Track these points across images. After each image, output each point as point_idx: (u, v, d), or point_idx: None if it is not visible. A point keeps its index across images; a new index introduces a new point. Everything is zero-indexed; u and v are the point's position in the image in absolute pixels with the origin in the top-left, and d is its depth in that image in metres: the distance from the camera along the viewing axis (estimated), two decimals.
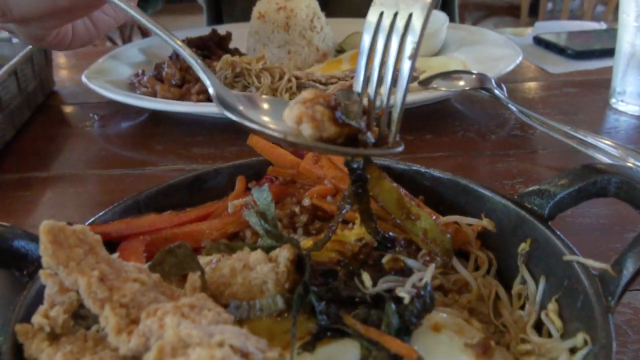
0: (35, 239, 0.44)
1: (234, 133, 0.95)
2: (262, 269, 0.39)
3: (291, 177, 0.55)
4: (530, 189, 0.49)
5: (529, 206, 0.48)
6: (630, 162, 0.77)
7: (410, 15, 0.42)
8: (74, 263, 0.36)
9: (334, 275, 0.40)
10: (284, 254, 0.40)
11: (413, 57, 0.41)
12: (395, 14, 0.43)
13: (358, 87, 0.44)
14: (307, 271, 0.39)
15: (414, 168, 0.56)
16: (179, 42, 0.47)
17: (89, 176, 0.86)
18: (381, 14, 0.44)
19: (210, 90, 0.44)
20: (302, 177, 0.55)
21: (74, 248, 0.36)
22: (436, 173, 0.55)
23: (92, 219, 0.50)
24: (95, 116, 1.06)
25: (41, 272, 0.36)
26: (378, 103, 0.44)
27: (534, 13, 4.21)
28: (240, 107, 0.43)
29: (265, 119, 0.42)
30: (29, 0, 0.54)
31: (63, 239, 0.36)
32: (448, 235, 0.45)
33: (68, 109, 1.12)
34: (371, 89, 0.44)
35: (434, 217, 0.47)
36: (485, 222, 0.48)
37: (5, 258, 0.43)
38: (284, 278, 0.39)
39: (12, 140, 0.96)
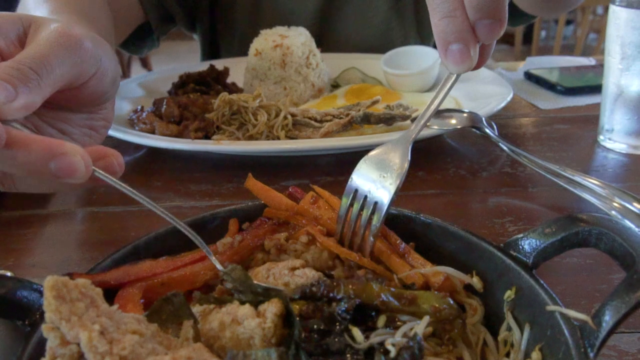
0: (36, 289, 0.46)
1: (229, 170, 0.97)
2: (249, 324, 0.41)
3: (285, 219, 0.57)
4: (516, 237, 0.51)
5: (514, 254, 0.49)
6: (616, 202, 0.79)
7: (375, 203, 0.54)
8: (75, 317, 0.37)
9: (324, 331, 0.42)
10: (271, 309, 0.41)
11: (375, 234, 0.54)
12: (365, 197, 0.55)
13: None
14: (297, 328, 0.40)
15: (405, 213, 0.58)
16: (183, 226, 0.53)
17: (88, 214, 0.87)
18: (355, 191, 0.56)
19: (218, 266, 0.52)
20: (297, 218, 0.57)
21: (75, 302, 0.38)
22: (426, 219, 0.57)
23: (92, 267, 0.51)
24: None
25: (43, 327, 0.37)
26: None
27: (528, 40, 4.28)
28: None
29: None
30: (33, 186, 0.57)
31: (66, 293, 0.38)
32: (449, 300, 0.46)
33: None
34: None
35: (427, 268, 0.49)
36: (475, 281, 0.49)
37: (8, 309, 0.44)
38: (271, 334, 0.41)
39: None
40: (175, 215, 0.85)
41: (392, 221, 0.58)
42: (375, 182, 0.55)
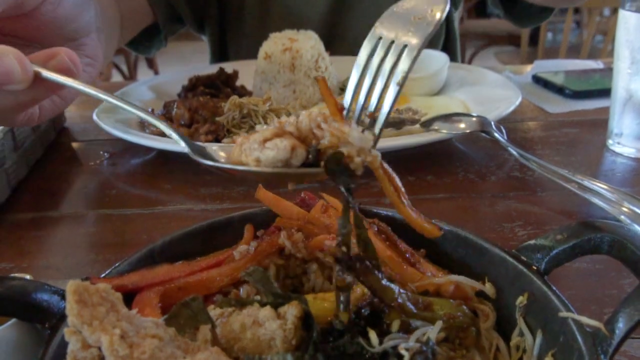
0: (55, 291, 0.47)
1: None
2: (270, 325, 0.42)
3: (298, 228, 0.57)
4: (527, 243, 0.51)
5: (526, 260, 0.50)
6: (625, 207, 0.79)
7: (404, 46, 0.47)
8: (97, 321, 0.38)
9: (340, 333, 0.42)
10: (291, 311, 0.42)
11: (400, 83, 0.47)
12: (392, 43, 0.48)
13: (349, 96, 0.49)
14: (316, 331, 0.41)
15: None
16: (143, 113, 0.50)
17: (100, 216, 0.88)
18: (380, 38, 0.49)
19: (182, 145, 0.49)
20: (309, 228, 0.57)
21: (97, 307, 0.39)
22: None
23: (108, 270, 0.52)
24: (106, 154, 1.09)
25: (66, 331, 0.38)
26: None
27: (534, 43, 4.28)
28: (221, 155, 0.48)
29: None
30: None
31: (87, 297, 0.39)
32: (464, 308, 0.47)
33: (79, 146, 1.15)
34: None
35: (440, 276, 0.49)
36: (487, 287, 0.50)
37: (28, 311, 0.45)
38: (292, 335, 0.41)
39: (25, 178, 0.99)
40: (187, 218, 0.86)
41: (403, 226, 0.59)
42: (406, 25, 0.48)
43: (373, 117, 0.49)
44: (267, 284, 0.45)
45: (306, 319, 0.42)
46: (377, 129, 0.48)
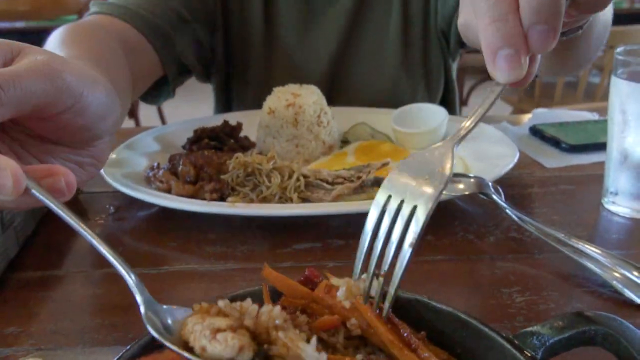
0: None
1: (243, 231, 0.99)
2: None
3: (302, 307, 0.59)
4: (525, 330, 0.53)
5: (524, 348, 0.52)
6: (618, 273, 0.82)
7: (415, 207, 0.47)
8: None
9: None
10: None
11: (413, 245, 0.47)
12: (402, 202, 0.48)
13: (359, 265, 0.51)
14: None
15: (417, 298, 0.60)
16: (112, 256, 0.53)
17: (106, 275, 0.90)
18: (388, 197, 0.49)
19: (141, 309, 0.49)
20: (313, 307, 0.59)
21: None
22: (437, 305, 0.59)
23: (120, 354, 0.54)
24: (111, 207, 1.11)
25: None
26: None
27: (532, 81, 4.33)
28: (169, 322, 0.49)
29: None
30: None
31: None
32: None
33: (85, 198, 1.17)
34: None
35: None
36: None
37: None
38: None
39: (32, 234, 1.00)
40: (192, 279, 0.88)
41: (403, 306, 0.60)
42: (413, 187, 0.48)
43: (384, 276, 0.50)
44: None
45: None
46: (386, 305, 0.51)
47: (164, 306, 0.51)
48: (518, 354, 0.51)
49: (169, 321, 0.50)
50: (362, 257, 0.50)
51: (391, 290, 0.49)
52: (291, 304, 0.60)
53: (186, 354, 0.43)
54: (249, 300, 0.46)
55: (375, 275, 0.51)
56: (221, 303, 0.46)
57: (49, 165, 0.53)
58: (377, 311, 0.53)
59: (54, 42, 0.98)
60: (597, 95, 3.83)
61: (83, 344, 0.74)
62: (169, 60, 1.31)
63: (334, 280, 0.56)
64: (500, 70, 0.48)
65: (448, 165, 0.49)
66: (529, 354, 0.51)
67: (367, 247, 0.50)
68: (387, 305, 0.50)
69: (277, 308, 0.45)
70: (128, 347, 0.55)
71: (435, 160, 0.50)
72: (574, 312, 0.51)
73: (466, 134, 0.53)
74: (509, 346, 0.53)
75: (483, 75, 5.01)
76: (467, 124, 0.53)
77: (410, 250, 0.47)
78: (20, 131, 0.61)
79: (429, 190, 0.48)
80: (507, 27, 0.47)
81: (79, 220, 0.51)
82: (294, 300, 0.60)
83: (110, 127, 0.66)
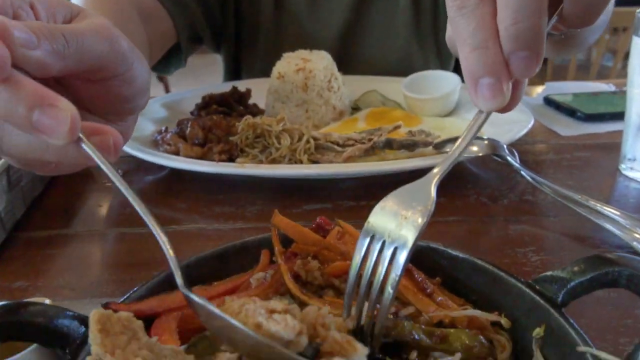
0: (75, 316, 0.47)
1: (253, 192, 0.98)
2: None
3: (314, 254, 0.58)
4: (544, 274, 0.51)
5: (543, 292, 0.50)
6: (638, 234, 0.79)
7: (395, 249, 0.47)
8: (119, 350, 0.38)
9: None
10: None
11: (394, 287, 0.46)
12: (384, 243, 0.47)
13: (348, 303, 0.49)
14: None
15: (432, 246, 0.59)
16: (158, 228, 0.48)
17: (114, 234, 0.89)
18: (372, 236, 0.48)
19: (178, 281, 0.45)
20: (325, 254, 0.58)
21: (119, 335, 0.39)
22: (453, 252, 0.57)
23: (127, 295, 0.53)
24: (120, 171, 1.09)
25: (88, 359, 0.38)
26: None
27: (544, 61, 4.28)
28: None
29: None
30: (21, 149, 0.51)
31: (110, 326, 0.39)
32: (481, 338, 0.47)
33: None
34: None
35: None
36: (503, 321, 0.50)
37: (48, 337, 0.46)
38: None
39: (40, 195, 0.99)
40: (200, 238, 0.87)
41: (418, 254, 0.59)
42: (396, 224, 0.48)
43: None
44: None
45: None
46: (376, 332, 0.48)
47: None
48: (538, 298, 0.50)
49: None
50: (350, 295, 0.49)
51: (378, 325, 0.47)
52: (302, 251, 0.58)
53: (243, 326, 0.40)
54: (285, 302, 0.45)
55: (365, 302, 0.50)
56: (256, 299, 0.43)
57: (99, 124, 0.50)
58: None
59: None
60: (611, 78, 3.78)
61: (91, 297, 0.73)
62: (183, 26, 1.30)
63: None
64: (483, 98, 0.47)
65: (430, 201, 0.48)
66: (549, 298, 0.49)
67: (355, 283, 0.49)
68: (377, 332, 0.48)
69: (325, 308, 0.43)
70: (135, 289, 0.54)
71: (416, 196, 0.49)
72: (594, 254, 0.49)
73: (448, 168, 0.51)
74: (528, 290, 0.51)
75: None
76: (449, 159, 0.51)
77: (392, 291, 0.46)
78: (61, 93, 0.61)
79: (410, 228, 0.47)
80: (488, 55, 0.45)
81: (124, 183, 0.48)
82: (305, 247, 0.59)
83: (143, 104, 0.66)
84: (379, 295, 0.47)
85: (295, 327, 0.39)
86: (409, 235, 0.46)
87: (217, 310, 0.41)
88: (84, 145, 0.46)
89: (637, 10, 0.95)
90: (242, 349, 0.41)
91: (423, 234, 0.47)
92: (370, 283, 0.48)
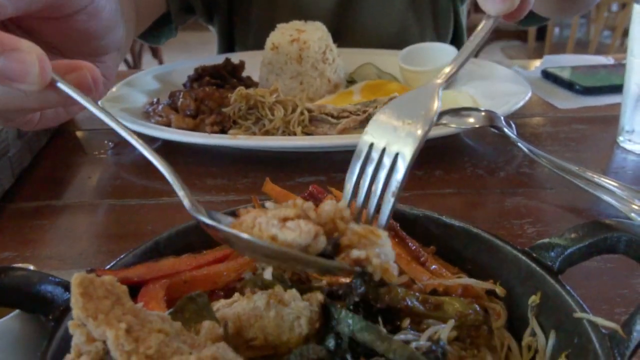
0: (59, 283, 0.46)
1: (245, 165, 0.96)
2: (297, 305, 0.41)
3: None
4: (541, 241, 0.50)
5: (539, 259, 0.49)
6: (636, 205, 0.79)
7: (397, 155, 0.45)
8: (102, 315, 0.37)
9: None
10: (316, 296, 0.42)
11: (396, 194, 0.44)
12: (384, 150, 0.45)
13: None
14: (335, 320, 0.41)
15: (427, 214, 0.57)
16: (155, 156, 0.48)
17: (104, 206, 0.87)
18: (371, 145, 0.46)
19: (186, 203, 0.44)
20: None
21: (102, 300, 0.38)
22: (448, 220, 0.56)
23: (114, 262, 0.51)
24: (110, 143, 1.07)
25: (70, 324, 0.37)
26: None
27: (541, 37, 4.24)
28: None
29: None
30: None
31: (92, 290, 0.38)
32: (476, 306, 0.46)
33: (83, 135, 1.14)
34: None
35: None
36: (498, 290, 0.49)
37: (32, 303, 0.44)
38: (316, 317, 0.41)
39: (28, 167, 0.98)
40: None
41: (412, 222, 0.58)
42: (397, 130, 0.45)
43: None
44: (282, 281, 0.45)
45: (325, 309, 0.42)
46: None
47: (208, 210, 0.46)
48: (534, 265, 0.49)
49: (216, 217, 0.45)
50: (346, 202, 0.47)
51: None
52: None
53: (257, 240, 0.39)
54: (298, 199, 0.43)
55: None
56: (269, 204, 0.42)
57: (73, 60, 0.47)
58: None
59: None
60: (610, 53, 3.75)
61: (79, 268, 0.72)
62: None
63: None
64: (492, 0, 0.46)
65: (433, 108, 0.46)
66: (546, 265, 0.48)
67: (352, 194, 0.47)
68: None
69: (343, 201, 0.42)
70: (122, 256, 0.52)
71: (419, 102, 0.46)
72: (592, 220, 0.48)
73: (455, 72, 0.49)
74: (524, 258, 0.50)
75: (491, 35, 4.91)
76: (454, 63, 0.49)
77: (392, 200, 0.44)
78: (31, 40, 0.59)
79: (412, 134, 0.45)
80: None
81: (110, 116, 0.46)
82: None
83: (117, 40, 0.63)
84: (379, 205, 0.45)
85: (310, 231, 0.39)
86: (410, 142, 0.44)
87: (231, 231, 0.41)
88: (60, 85, 0.43)
89: None
90: (264, 259, 0.41)
91: (424, 142, 0.45)
92: (368, 196, 0.46)
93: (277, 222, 0.39)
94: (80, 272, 0.38)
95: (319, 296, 0.43)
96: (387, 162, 0.45)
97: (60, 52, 0.58)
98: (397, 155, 0.45)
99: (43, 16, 0.52)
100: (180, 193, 0.44)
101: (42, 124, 0.59)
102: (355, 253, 0.40)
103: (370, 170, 0.46)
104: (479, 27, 0.49)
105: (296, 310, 0.41)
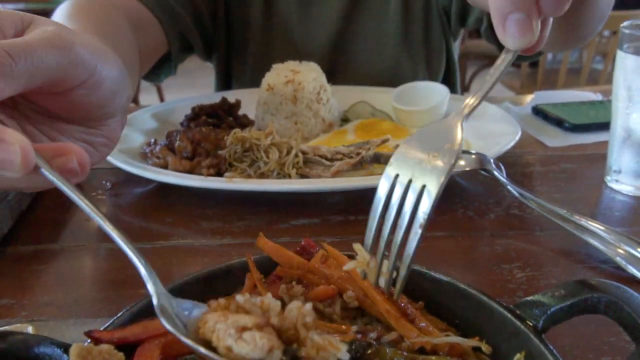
0: (57, 344, 0.47)
1: (241, 207, 0.98)
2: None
3: (298, 277, 0.58)
4: (526, 299, 0.52)
5: (524, 317, 0.50)
6: (621, 249, 0.80)
7: (424, 186, 0.45)
8: None
9: None
10: None
11: (423, 226, 0.45)
12: (410, 180, 0.46)
13: (368, 246, 0.49)
14: None
15: (416, 269, 0.59)
16: (123, 241, 0.47)
17: (101, 250, 0.89)
18: (396, 175, 0.47)
19: (154, 300, 0.44)
20: (309, 277, 0.58)
21: None
22: (436, 275, 0.58)
23: (110, 321, 0.52)
24: (108, 183, 1.09)
25: None
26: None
27: (534, 64, 4.30)
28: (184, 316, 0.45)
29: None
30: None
31: (90, 359, 0.39)
32: None
33: None
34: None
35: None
36: (484, 347, 0.50)
37: None
38: None
39: (27, 209, 0.99)
40: (187, 254, 0.87)
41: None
42: (422, 163, 0.45)
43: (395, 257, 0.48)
44: None
45: None
46: (397, 287, 0.49)
47: (178, 300, 0.47)
48: (519, 323, 0.50)
49: (185, 314, 0.46)
50: (371, 234, 0.48)
51: (402, 273, 0.47)
52: (287, 274, 0.59)
53: (211, 354, 0.40)
54: (269, 296, 0.43)
55: (385, 256, 0.49)
56: (240, 298, 0.42)
57: (61, 143, 0.50)
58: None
59: (59, 15, 0.95)
60: (601, 82, 3.80)
61: (76, 316, 0.73)
62: (174, 35, 1.30)
63: (350, 264, 0.53)
64: (512, 35, 0.47)
65: (457, 140, 0.46)
66: (530, 324, 0.50)
67: (377, 226, 0.47)
68: (398, 287, 0.48)
69: (308, 305, 0.42)
70: (119, 314, 0.53)
71: (443, 135, 0.47)
72: (576, 280, 0.50)
73: (477, 106, 0.49)
74: (509, 315, 0.51)
75: (485, 61, 4.98)
76: (477, 95, 0.49)
77: (420, 231, 0.45)
78: (32, 108, 0.59)
79: (438, 166, 0.45)
80: None
81: (90, 203, 0.46)
82: (289, 270, 0.59)
83: (123, 104, 0.64)
84: (402, 244, 0.45)
85: (264, 345, 0.38)
86: (436, 175, 0.44)
87: (186, 341, 0.41)
88: (43, 171, 0.45)
89: (621, 25, 0.96)
90: None
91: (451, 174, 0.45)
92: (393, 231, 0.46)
93: (234, 331, 0.39)
94: (77, 344, 0.40)
95: None
96: (412, 195, 0.46)
97: (64, 120, 0.60)
98: (423, 187, 0.45)
99: (42, 92, 0.53)
100: (150, 288, 0.45)
101: (44, 186, 0.60)
102: None
103: (395, 203, 0.46)
104: (499, 61, 0.50)
105: None
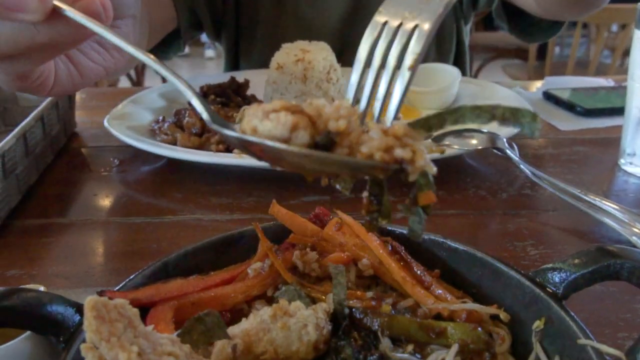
0: (70, 303, 0.46)
1: (250, 183, 0.97)
2: (302, 314, 0.42)
3: (311, 245, 0.57)
4: (545, 266, 0.51)
5: (544, 284, 0.49)
6: (637, 228, 0.79)
7: (415, 26, 0.42)
8: (115, 338, 0.37)
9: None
10: (321, 306, 0.44)
11: (413, 67, 0.41)
12: (400, 25, 0.42)
13: (351, 93, 0.44)
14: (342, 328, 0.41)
15: (432, 237, 0.58)
16: (171, 74, 0.44)
17: (110, 224, 0.88)
18: (385, 23, 0.43)
19: (204, 116, 0.41)
20: (322, 245, 0.57)
21: (114, 322, 0.38)
22: (453, 244, 0.57)
23: (123, 283, 0.52)
24: (116, 160, 1.08)
25: (83, 346, 0.37)
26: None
27: (542, 57, 4.27)
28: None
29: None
30: (6, 38, 0.47)
31: (105, 313, 0.38)
32: (479, 329, 0.46)
33: (89, 152, 1.15)
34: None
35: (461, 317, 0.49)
36: (502, 315, 0.49)
37: (42, 324, 0.45)
38: (323, 324, 0.43)
39: (35, 184, 0.98)
40: (196, 228, 0.86)
41: (417, 245, 0.58)
42: (413, 5, 0.42)
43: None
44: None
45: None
46: (388, 122, 0.42)
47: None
48: (538, 290, 0.49)
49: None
50: (355, 84, 0.44)
51: (391, 110, 0.42)
52: (300, 242, 0.58)
53: (228, 132, 0.37)
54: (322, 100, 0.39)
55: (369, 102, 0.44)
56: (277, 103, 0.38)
57: None
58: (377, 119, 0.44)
59: None
60: (609, 75, 3.77)
61: (86, 286, 0.72)
62: (184, 10, 1.30)
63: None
64: None
65: None
66: (550, 291, 0.49)
67: (361, 73, 0.44)
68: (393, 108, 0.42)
69: (345, 101, 0.37)
70: (131, 277, 0.53)
71: None
72: (596, 246, 0.49)
73: None
74: (528, 283, 0.50)
75: (492, 53, 4.95)
76: None
77: (409, 74, 0.40)
78: None
79: (432, 6, 0.41)
80: None
81: (122, 39, 0.43)
82: (303, 237, 0.58)
83: (132, 4, 0.61)
84: (392, 82, 0.41)
85: (288, 122, 0.36)
86: (428, 17, 0.41)
87: (228, 132, 0.39)
88: (67, 12, 0.42)
89: (639, 4, 0.95)
90: (264, 156, 0.38)
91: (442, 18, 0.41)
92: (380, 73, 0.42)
93: (261, 113, 0.37)
94: (92, 296, 0.39)
95: (325, 306, 0.44)
96: (402, 37, 0.42)
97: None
98: (414, 28, 0.41)
99: None
100: (199, 108, 0.42)
101: (57, 88, 0.57)
102: (399, 152, 0.36)
103: (383, 44, 0.43)
104: None
105: (302, 319, 0.43)
